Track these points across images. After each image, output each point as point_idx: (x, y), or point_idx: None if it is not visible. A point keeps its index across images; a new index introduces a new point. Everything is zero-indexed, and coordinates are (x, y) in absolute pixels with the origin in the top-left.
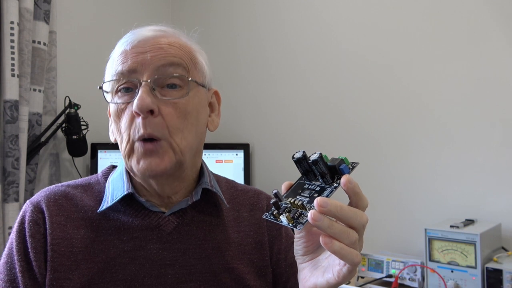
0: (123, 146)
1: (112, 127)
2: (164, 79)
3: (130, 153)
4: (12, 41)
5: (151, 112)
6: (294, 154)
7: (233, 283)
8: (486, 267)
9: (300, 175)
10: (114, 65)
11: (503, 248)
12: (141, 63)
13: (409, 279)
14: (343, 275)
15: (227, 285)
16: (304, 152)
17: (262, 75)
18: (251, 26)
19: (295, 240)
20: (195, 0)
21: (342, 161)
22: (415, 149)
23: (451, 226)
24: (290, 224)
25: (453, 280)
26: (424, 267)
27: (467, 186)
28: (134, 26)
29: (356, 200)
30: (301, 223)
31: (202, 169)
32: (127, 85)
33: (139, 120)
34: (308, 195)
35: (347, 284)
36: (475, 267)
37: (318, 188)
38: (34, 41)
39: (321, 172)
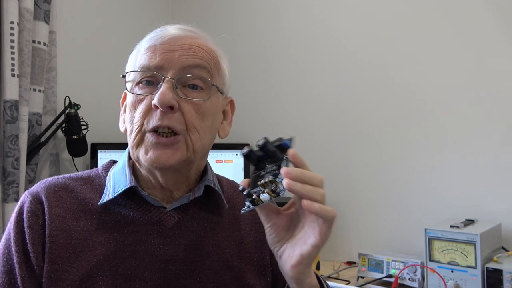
0: (133, 135)
1: (124, 116)
2: (187, 79)
3: (139, 142)
4: (12, 41)
5: (171, 108)
6: (242, 151)
7: (233, 280)
8: (486, 267)
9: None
10: (140, 57)
11: (503, 248)
12: (169, 60)
13: (409, 279)
14: (324, 233)
15: (227, 282)
16: (249, 146)
17: (262, 75)
18: (251, 26)
19: (266, 232)
20: (195, 0)
21: (281, 138)
22: (415, 149)
23: (451, 226)
24: (273, 197)
25: (453, 280)
26: (424, 267)
27: (467, 186)
28: (158, 25)
29: (302, 167)
30: (281, 190)
31: (205, 168)
32: (150, 78)
33: (157, 112)
34: (271, 175)
35: (347, 284)
36: (475, 267)
37: (275, 167)
38: (34, 41)
39: (272, 151)
